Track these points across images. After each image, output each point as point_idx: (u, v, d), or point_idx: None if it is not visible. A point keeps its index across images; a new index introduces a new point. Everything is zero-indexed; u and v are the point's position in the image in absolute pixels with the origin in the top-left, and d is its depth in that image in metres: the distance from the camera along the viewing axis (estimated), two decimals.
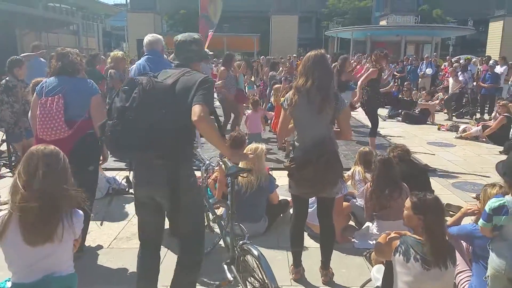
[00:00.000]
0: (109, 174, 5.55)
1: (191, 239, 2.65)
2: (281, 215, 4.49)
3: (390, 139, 9.02)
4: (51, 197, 1.97)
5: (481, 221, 2.63)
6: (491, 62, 13.50)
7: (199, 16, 17.42)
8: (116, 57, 6.62)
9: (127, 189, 4.38)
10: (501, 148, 8.19)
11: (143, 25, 25.65)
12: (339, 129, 3.26)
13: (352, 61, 15.29)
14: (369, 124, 7.55)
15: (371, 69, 7.12)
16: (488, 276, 2.60)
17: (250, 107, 7.64)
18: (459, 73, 12.97)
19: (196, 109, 2.29)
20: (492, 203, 2.58)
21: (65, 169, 2.09)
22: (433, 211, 2.48)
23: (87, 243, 3.78)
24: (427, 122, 11.38)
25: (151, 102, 2.31)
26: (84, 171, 3.36)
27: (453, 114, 12.32)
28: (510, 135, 8.72)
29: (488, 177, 6.31)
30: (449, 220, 3.48)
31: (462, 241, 3.15)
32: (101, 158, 3.70)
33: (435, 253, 2.42)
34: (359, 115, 10.17)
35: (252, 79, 14.90)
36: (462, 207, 3.77)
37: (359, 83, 7.18)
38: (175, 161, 2.40)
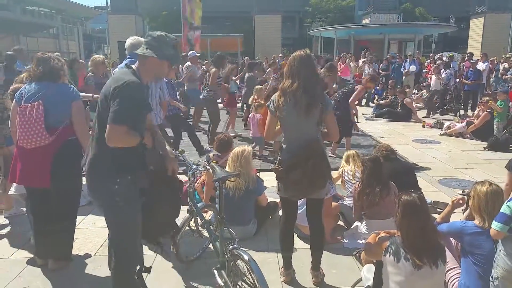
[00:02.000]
0: None
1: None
2: (270, 217, 4.46)
3: (376, 137, 9.08)
4: None
5: (497, 224, 2.46)
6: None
7: (181, 17, 17.33)
8: (95, 61, 6.53)
9: None
10: (485, 144, 8.32)
11: (125, 27, 25.26)
12: (326, 130, 3.24)
13: (336, 60, 15.28)
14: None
15: (359, 88, 7.25)
16: (497, 277, 2.52)
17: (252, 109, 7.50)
18: (442, 70, 13.12)
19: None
20: None
21: None
22: (410, 211, 2.48)
23: (73, 252, 3.69)
24: (411, 120, 11.50)
25: None
26: (68, 178, 3.30)
27: (437, 111, 12.44)
28: (494, 131, 8.85)
29: (473, 173, 6.40)
30: (437, 217, 3.49)
31: (451, 238, 3.15)
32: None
33: (413, 252, 2.42)
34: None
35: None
36: None
37: (351, 103, 7.18)
38: None
